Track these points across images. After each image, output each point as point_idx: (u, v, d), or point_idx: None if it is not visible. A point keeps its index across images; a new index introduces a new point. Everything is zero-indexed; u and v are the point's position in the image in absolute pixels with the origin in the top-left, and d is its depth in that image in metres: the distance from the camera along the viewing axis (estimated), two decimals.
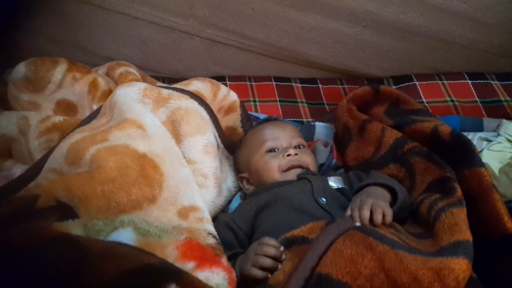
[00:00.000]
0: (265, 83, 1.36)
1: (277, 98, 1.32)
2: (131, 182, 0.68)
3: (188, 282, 0.47)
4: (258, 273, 0.61)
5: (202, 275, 0.55)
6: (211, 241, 0.66)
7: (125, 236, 0.56)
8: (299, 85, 1.38)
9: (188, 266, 0.55)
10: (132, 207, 0.66)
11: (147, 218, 0.63)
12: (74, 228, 0.55)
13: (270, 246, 0.63)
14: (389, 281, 0.53)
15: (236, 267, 0.66)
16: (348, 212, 0.66)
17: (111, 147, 0.72)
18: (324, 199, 0.76)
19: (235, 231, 0.77)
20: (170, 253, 0.56)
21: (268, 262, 0.61)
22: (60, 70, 1.10)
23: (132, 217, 0.60)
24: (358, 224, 0.63)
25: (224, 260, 0.61)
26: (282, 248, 0.62)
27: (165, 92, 0.93)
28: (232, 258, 0.70)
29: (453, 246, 0.58)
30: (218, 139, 0.96)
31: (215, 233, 0.71)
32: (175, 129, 0.87)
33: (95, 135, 0.77)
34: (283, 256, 0.62)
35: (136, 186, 0.68)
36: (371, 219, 0.63)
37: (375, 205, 0.65)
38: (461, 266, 0.54)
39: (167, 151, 0.78)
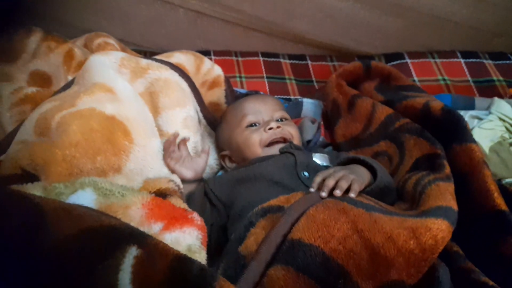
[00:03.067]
0: (252, 58, 1.31)
1: (264, 75, 1.27)
2: (96, 148, 0.63)
3: (152, 245, 0.43)
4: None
5: (171, 236, 0.51)
6: (172, 186, 0.63)
7: (85, 197, 0.52)
8: (288, 61, 1.33)
9: (155, 228, 0.51)
10: (96, 175, 0.61)
11: None
12: (32, 190, 0.51)
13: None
14: (362, 241, 0.51)
15: None
16: (316, 178, 0.64)
17: (76, 112, 0.67)
18: (306, 173, 0.73)
19: (210, 197, 0.74)
20: (135, 213, 0.52)
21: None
22: (34, 39, 1.05)
23: (94, 178, 0.56)
24: (312, 190, 0.62)
25: (196, 216, 0.57)
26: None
27: (144, 62, 0.88)
28: None
29: (434, 209, 0.56)
30: (200, 114, 0.92)
31: (179, 183, 0.68)
32: (153, 101, 0.82)
33: (64, 103, 0.72)
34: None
35: (101, 153, 0.63)
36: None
37: (344, 177, 0.62)
38: (439, 226, 0.52)
39: (140, 117, 0.73)
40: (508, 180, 0.86)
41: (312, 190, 0.62)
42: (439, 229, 0.52)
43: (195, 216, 0.59)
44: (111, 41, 1.11)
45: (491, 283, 0.60)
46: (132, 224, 0.50)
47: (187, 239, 0.53)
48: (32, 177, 0.62)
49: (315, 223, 0.53)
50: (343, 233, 0.52)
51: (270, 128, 0.83)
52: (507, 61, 1.26)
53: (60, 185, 0.53)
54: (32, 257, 0.39)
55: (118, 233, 0.43)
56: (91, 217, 0.43)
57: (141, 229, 0.49)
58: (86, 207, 0.48)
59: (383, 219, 0.53)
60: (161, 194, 0.63)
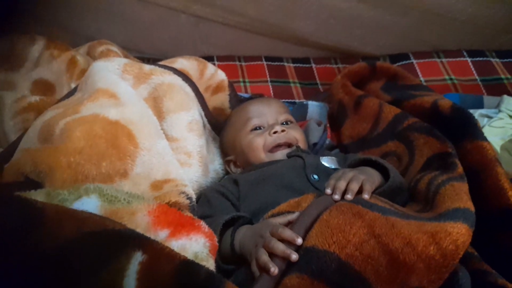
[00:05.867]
0: (255, 63, 1.30)
1: (268, 79, 1.26)
2: (100, 153, 0.62)
3: (157, 250, 0.41)
4: (265, 257, 0.52)
5: (178, 244, 0.50)
6: (182, 200, 0.61)
7: (89, 204, 0.50)
8: (291, 64, 1.32)
9: (161, 235, 0.50)
10: (102, 180, 0.60)
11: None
12: (36, 197, 0.50)
13: (287, 231, 0.54)
14: (380, 247, 0.49)
15: (236, 236, 0.61)
16: (329, 182, 0.61)
17: (80, 118, 0.67)
18: (316, 176, 0.71)
19: (228, 196, 0.72)
20: (141, 220, 0.50)
21: (280, 248, 0.51)
22: (37, 47, 1.05)
23: (99, 185, 0.54)
24: (328, 191, 0.59)
25: (203, 224, 0.56)
26: (300, 241, 0.52)
27: (147, 67, 0.87)
28: (231, 223, 0.64)
29: (452, 212, 0.54)
30: (205, 118, 0.91)
31: (191, 195, 0.66)
32: (157, 106, 0.81)
33: (67, 110, 0.71)
34: (293, 257, 0.50)
35: (106, 158, 0.62)
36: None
37: (354, 177, 0.60)
38: (459, 230, 0.50)
39: (144, 120, 0.72)
40: None
41: (328, 191, 0.60)
42: (459, 233, 0.50)
43: (203, 224, 0.58)
44: (114, 48, 1.11)
45: (509, 285, 0.58)
46: (138, 230, 0.48)
47: (194, 246, 0.51)
48: (35, 185, 0.61)
49: (329, 228, 0.51)
50: (360, 238, 0.50)
51: (275, 132, 0.81)
52: None
53: (64, 191, 0.52)
54: (29, 260, 0.37)
55: (122, 238, 0.42)
56: (94, 221, 0.42)
57: (147, 235, 0.47)
58: (89, 212, 0.47)
59: (400, 223, 0.51)
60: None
